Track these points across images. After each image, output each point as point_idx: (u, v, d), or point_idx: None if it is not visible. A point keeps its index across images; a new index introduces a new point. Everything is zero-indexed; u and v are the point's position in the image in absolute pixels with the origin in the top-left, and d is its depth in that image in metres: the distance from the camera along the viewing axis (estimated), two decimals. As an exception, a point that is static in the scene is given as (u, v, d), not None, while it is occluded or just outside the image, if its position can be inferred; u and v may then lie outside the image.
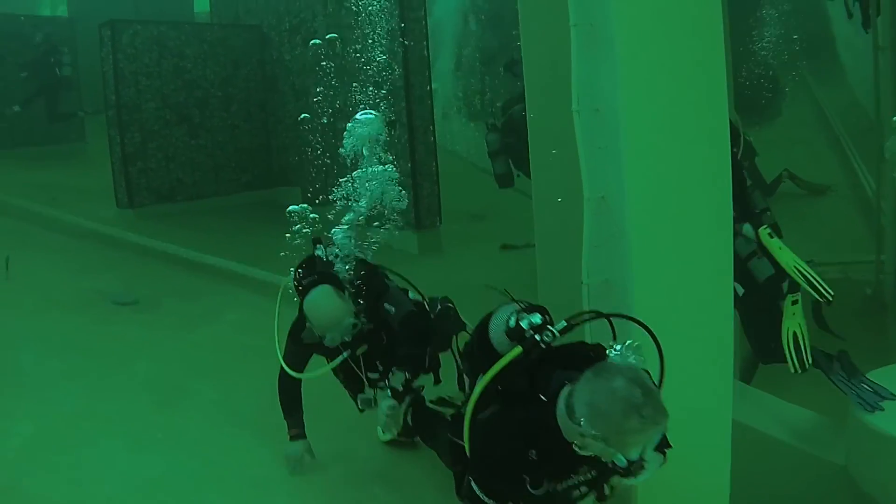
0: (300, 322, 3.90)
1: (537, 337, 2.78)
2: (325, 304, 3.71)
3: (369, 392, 4.08)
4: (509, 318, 2.91)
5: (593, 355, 2.64)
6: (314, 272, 3.89)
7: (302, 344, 3.93)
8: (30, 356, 5.30)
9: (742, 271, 4.30)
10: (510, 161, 7.94)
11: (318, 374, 3.97)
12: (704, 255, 3.32)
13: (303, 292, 3.79)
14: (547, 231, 4.73)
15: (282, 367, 4.01)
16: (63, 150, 11.88)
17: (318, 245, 4.13)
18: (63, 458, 4.05)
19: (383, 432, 4.42)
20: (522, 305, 2.97)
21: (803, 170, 8.60)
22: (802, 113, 10.60)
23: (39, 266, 7.29)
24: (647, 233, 3.34)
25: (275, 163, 10.37)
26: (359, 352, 3.90)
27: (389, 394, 3.84)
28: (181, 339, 5.75)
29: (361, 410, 4.10)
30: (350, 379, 4.11)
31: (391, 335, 3.98)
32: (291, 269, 4.07)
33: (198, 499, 3.75)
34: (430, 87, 8.55)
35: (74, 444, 4.19)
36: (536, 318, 2.84)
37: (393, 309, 3.96)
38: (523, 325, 2.83)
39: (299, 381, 4.04)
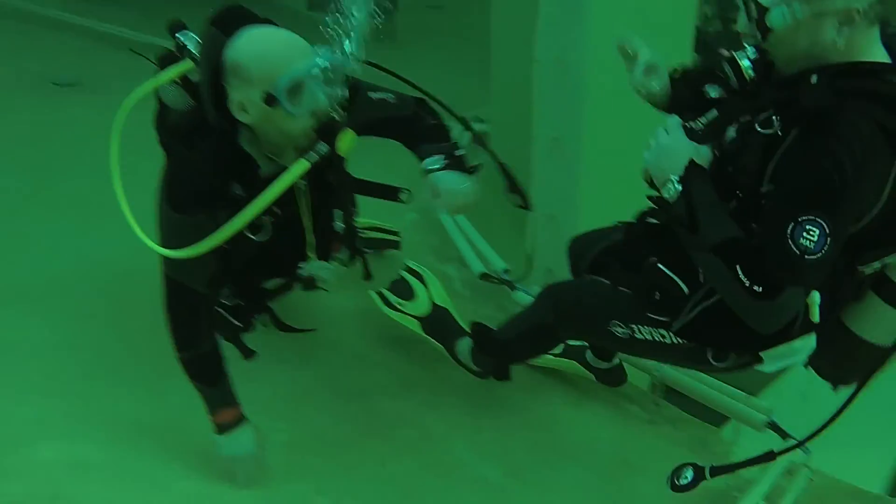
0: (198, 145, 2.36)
1: None
2: (279, 32, 2.28)
3: (318, 265, 2.73)
4: None
5: None
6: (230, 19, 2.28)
7: (210, 190, 2.30)
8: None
9: None
10: None
11: (242, 221, 2.24)
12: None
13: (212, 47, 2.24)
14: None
15: (166, 277, 2.44)
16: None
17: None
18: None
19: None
20: None
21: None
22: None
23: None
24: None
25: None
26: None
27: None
28: (128, 119, 5.52)
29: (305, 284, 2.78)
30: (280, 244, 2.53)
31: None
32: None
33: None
34: None
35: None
36: None
37: (390, 95, 2.69)
38: None
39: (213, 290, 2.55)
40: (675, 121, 2.21)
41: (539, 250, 3.91)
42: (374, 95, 2.64)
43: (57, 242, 3.95)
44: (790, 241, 1.85)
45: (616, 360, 3.20)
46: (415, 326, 3.26)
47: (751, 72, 2.13)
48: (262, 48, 2.21)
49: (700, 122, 2.19)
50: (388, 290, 3.41)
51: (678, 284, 2.37)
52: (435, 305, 3.32)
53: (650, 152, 2.20)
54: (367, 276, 3.11)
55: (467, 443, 2.96)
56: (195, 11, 2.40)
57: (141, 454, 2.69)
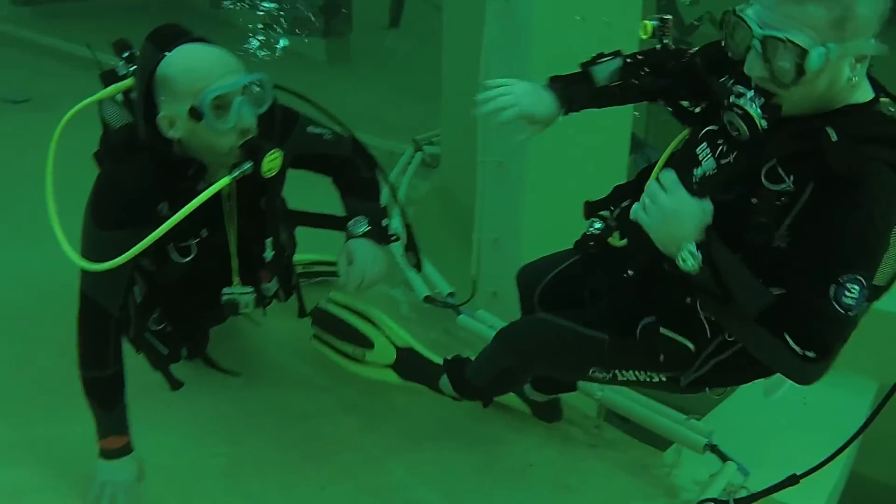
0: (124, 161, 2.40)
1: None
2: (210, 49, 2.30)
3: (240, 290, 2.72)
4: None
5: None
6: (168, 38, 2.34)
7: (130, 204, 2.29)
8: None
9: None
10: None
11: (156, 235, 2.19)
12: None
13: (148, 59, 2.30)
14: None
15: (82, 293, 2.41)
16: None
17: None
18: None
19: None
20: None
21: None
22: None
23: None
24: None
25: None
26: (240, 171, 2.27)
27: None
28: (75, 136, 5.48)
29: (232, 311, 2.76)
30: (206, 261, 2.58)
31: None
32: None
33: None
34: None
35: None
36: None
37: (328, 132, 2.75)
38: None
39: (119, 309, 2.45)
40: (671, 176, 1.97)
41: (484, 274, 3.93)
42: (312, 130, 2.67)
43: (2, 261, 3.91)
44: (835, 304, 1.79)
45: (554, 395, 3.14)
46: (392, 378, 3.12)
47: (763, 121, 1.92)
48: (191, 63, 2.24)
49: (695, 175, 2.10)
50: (341, 340, 3.22)
51: (684, 344, 2.25)
52: (399, 349, 3.12)
53: (650, 216, 1.97)
54: (302, 312, 3.17)
55: (407, 466, 2.95)
56: (148, 29, 2.42)
57: (79, 480, 2.62)
